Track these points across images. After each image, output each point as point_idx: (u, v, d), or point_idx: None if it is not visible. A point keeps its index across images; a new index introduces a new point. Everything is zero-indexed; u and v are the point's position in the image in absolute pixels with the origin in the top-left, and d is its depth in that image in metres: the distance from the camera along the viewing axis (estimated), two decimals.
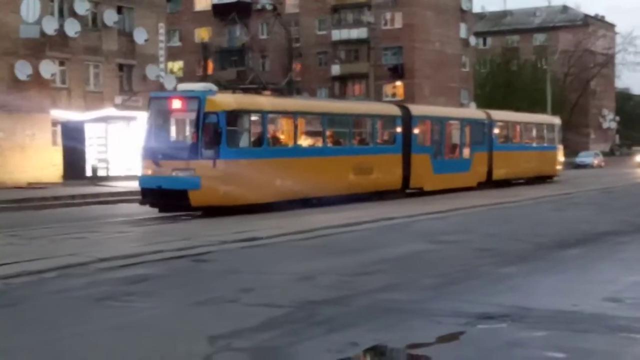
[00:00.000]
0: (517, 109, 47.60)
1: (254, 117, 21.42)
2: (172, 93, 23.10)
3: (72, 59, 38.21)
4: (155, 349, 7.24)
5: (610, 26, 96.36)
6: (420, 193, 27.64)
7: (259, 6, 70.27)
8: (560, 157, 39.53)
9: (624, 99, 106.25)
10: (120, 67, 40.77)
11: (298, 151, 22.88)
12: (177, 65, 68.56)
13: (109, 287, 10.29)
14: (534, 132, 37.70)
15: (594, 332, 7.59)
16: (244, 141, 20.98)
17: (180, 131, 21.50)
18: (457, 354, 6.98)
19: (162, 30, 42.87)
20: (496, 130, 33.42)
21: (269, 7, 56.84)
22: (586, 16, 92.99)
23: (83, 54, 38.72)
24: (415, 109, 29.55)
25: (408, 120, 27.49)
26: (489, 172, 32.39)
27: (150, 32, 41.33)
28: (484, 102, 65.67)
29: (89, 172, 36.67)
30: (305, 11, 69.99)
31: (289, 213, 20.38)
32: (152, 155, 20.33)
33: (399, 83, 67.26)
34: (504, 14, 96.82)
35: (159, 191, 20.00)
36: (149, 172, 20.37)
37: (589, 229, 16.98)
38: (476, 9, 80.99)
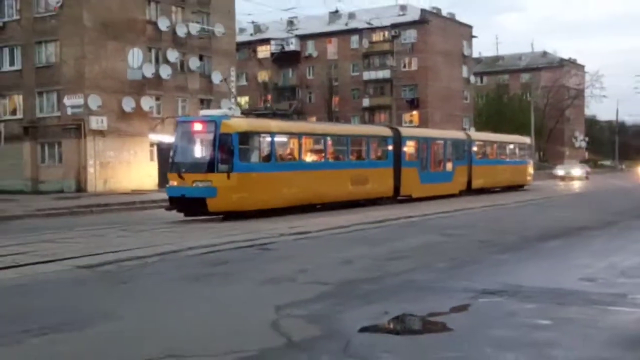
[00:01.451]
0: (507, 132, 46.88)
1: (263, 137, 20.24)
2: (195, 118, 21.82)
3: (165, 95, 38.65)
4: (234, 315, 7.31)
5: (581, 67, 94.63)
6: (410, 200, 26.38)
7: (306, 54, 70.89)
8: (530, 170, 38.07)
9: (591, 124, 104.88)
10: (202, 101, 41.00)
11: (302, 165, 21.61)
12: (244, 100, 68.94)
13: (196, 269, 10.38)
14: (507, 149, 36.24)
15: (574, 305, 7.51)
16: (255, 157, 19.84)
17: (200, 149, 19.92)
18: (466, 321, 6.94)
19: (233, 73, 43.04)
20: (475, 148, 32.22)
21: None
22: (562, 59, 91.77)
23: (173, 92, 39.12)
24: (405, 131, 28.43)
25: (398, 139, 26.08)
26: (469, 182, 31.04)
27: (224, 74, 41.60)
28: (481, 127, 64.99)
29: None
30: (343, 57, 70.14)
31: (326, 213, 20.26)
32: (176, 169, 19.22)
33: (415, 112, 66.83)
34: (496, 58, 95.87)
35: (183, 199, 18.98)
36: (175, 183, 19.23)
37: (567, 224, 16.74)
38: (475, 54, 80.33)
